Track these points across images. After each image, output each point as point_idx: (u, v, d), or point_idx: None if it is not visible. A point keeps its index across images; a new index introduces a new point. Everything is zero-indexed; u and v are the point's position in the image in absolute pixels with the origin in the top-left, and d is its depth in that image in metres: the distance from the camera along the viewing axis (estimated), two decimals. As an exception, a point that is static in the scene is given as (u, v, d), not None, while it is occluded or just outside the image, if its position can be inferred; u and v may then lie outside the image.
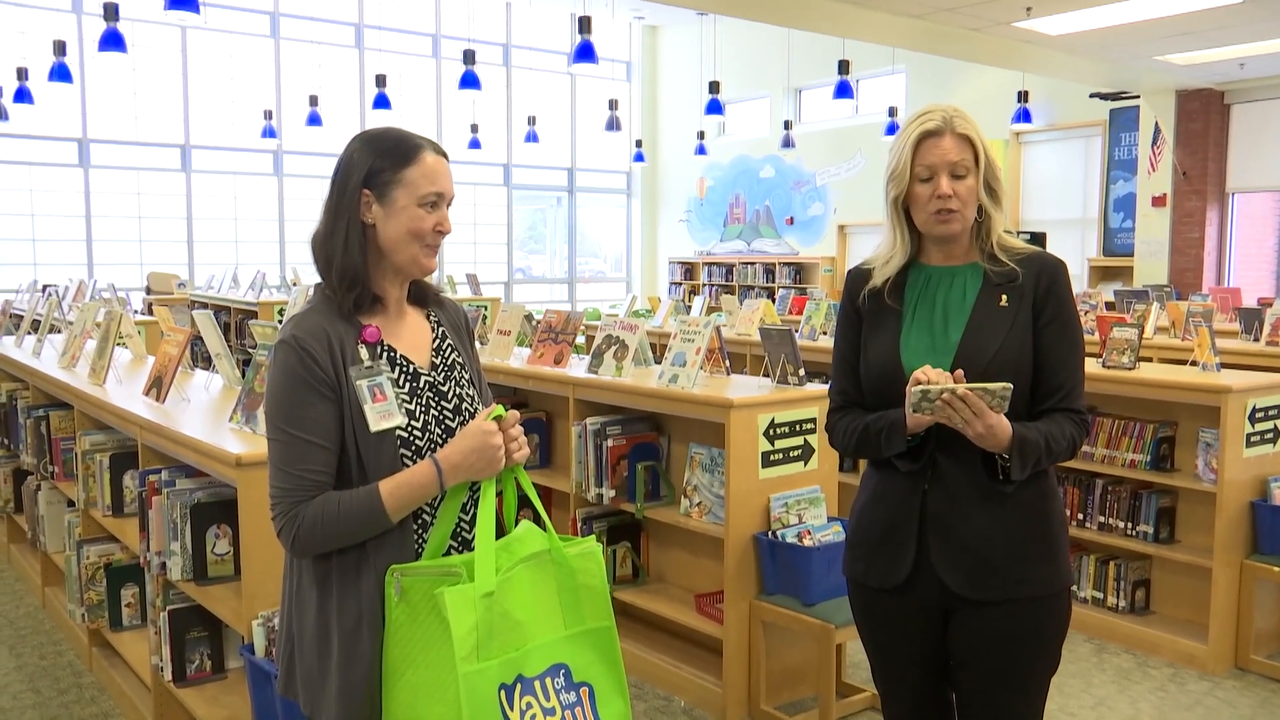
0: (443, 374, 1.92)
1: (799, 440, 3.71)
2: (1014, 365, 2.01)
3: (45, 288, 9.84)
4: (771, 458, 3.64)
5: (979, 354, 2.01)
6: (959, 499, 2.03)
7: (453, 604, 1.66)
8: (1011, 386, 1.89)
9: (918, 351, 2.07)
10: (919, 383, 1.91)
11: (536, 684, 1.73)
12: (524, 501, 1.87)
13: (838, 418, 2.20)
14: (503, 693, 1.68)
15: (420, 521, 1.83)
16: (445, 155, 1.88)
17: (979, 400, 1.88)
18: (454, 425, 1.88)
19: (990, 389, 1.88)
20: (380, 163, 1.81)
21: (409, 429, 1.82)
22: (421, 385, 1.87)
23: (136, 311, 9.91)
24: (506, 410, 1.82)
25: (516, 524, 1.85)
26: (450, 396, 1.91)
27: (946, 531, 2.04)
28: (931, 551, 2.05)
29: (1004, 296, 2.05)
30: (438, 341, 1.95)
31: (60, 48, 9.78)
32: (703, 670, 3.83)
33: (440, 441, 1.84)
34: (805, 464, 3.74)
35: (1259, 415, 4.08)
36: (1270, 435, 4.14)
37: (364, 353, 1.82)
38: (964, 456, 2.00)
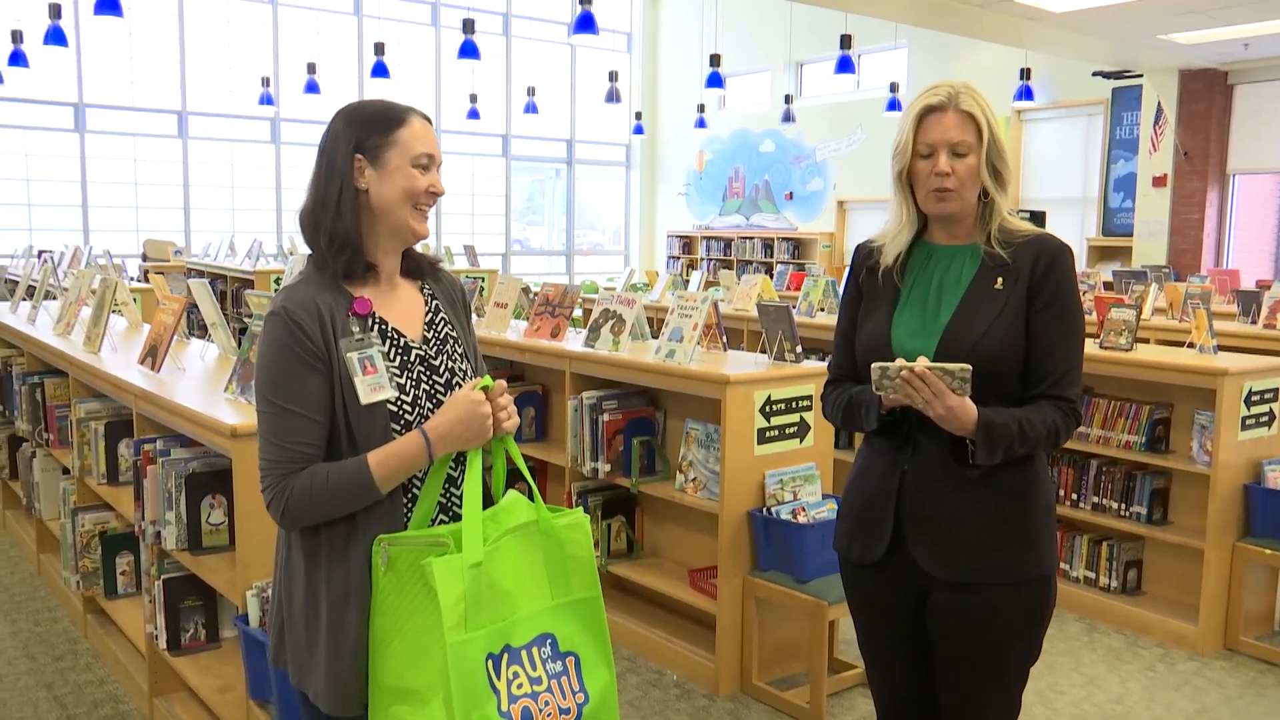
0: (434, 347, 1.91)
1: (795, 417, 3.71)
2: (998, 349, 1.98)
3: (41, 254, 9.80)
4: (767, 434, 3.64)
5: (964, 336, 2.00)
6: (936, 478, 2.03)
7: (440, 574, 1.67)
8: (970, 368, 1.87)
9: (908, 331, 2.07)
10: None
11: (524, 654, 1.74)
12: (515, 475, 1.87)
13: (830, 389, 2.23)
14: (490, 662, 1.69)
15: (410, 494, 1.83)
16: (430, 120, 1.89)
17: (938, 380, 1.87)
18: (445, 399, 1.87)
19: (949, 369, 1.87)
20: (370, 128, 1.82)
21: (399, 402, 1.81)
22: (412, 359, 1.87)
23: (132, 279, 9.86)
24: (494, 381, 1.82)
25: (505, 495, 1.85)
26: (442, 370, 1.90)
27: (921, 510, 2.04)
28: (906, 529, 2.06)
29: (999, 279, 2.03)
30: (430, 315, 1.94)
31: (55, 10, 9.68)
32: (695, 645, 3.84)
33: (430, 416, 1.84)
34: (801, 441, 3.74)
35: (1255, 398, 4.09)
36: (1265, 418, 4.14)
37: (354, 324, 1.82)
38: (944, 436, 1.99)
